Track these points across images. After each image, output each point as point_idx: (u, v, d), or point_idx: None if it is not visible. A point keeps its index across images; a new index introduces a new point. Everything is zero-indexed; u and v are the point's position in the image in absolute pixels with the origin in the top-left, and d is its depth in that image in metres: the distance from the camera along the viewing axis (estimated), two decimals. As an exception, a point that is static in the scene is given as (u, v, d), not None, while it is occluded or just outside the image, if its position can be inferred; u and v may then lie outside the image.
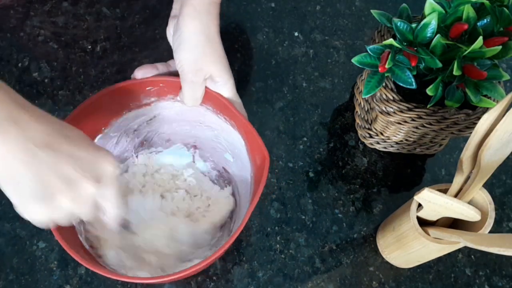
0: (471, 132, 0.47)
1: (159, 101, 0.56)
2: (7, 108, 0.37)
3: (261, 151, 0.49)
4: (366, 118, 0.68)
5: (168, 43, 0.75)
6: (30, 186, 0.38)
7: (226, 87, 0.51)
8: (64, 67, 0.71)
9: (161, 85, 0.53)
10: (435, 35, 0.53)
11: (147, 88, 0.53)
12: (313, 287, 0.60)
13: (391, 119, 0.57)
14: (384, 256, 0.62)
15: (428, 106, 0.56)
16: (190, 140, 0.63)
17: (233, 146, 0.57)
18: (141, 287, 0.59)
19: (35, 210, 0.39)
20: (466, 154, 0.46)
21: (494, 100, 0.55)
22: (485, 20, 0.53)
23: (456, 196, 0.50)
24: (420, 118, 0.56)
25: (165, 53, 0.72)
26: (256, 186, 0.49)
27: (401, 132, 0.63)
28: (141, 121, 0.58)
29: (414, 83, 0.54)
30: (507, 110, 0.42)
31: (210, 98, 0.53)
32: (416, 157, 0.69)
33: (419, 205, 0.52)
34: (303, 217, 0.64)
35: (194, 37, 0.49)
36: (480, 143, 0.44)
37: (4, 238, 0.60)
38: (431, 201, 0.49)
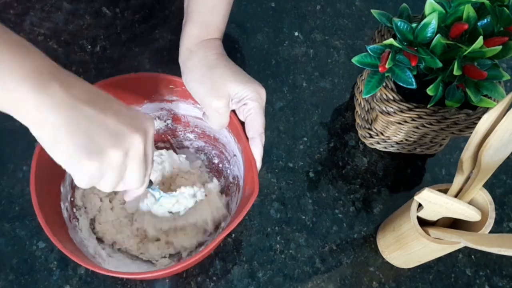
0: (471, 132, 0.47)
1: (180, 101, 0.58)
2: (46, 64, 0.36)
3: (253, 184, 0.49)
4: (366, 118, 0.67)
5: (167, 42, 0.75)
6: (79, 141, 0.36)
7: (245, 102, 0.51)
8: (63, 66, 0.70)
9: (183, 87, 0.53)
10: (435, 35, 0.52)
11: (170, 86, 0.55)
12: (313, 287, 0.60)
13: (391, 119, 0.57)
14: (384, 256, 0.62)
15: (428, 106, 0.56)
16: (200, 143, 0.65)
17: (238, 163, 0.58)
18: (141, 287, 0.59)
19: (86, 166, 0.37)
20: (466, 154, 0.46)
21: (494, 100, 0.55)
22: (485, 20, 0.53)
23: (456, 196, 0.50)
24: (420, 118, 0.56)
25: (165, 53, 0.72)
26: (237, 213, 0.49)
27: (401, 132, 0.62)
28: (161, 114, 0.60)
29: (414, 83, 0.54)
30: (507, 110, 0.42)
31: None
32: (416, 157, 0.69)
33: (419, 205, 0.52)
34: (303, 217, 0.64)
35: (199, 72, 0.50)
36: (480, 143, 0.44)
37: (4, 238, 0.60)
38: (431, 201, 0.48)
